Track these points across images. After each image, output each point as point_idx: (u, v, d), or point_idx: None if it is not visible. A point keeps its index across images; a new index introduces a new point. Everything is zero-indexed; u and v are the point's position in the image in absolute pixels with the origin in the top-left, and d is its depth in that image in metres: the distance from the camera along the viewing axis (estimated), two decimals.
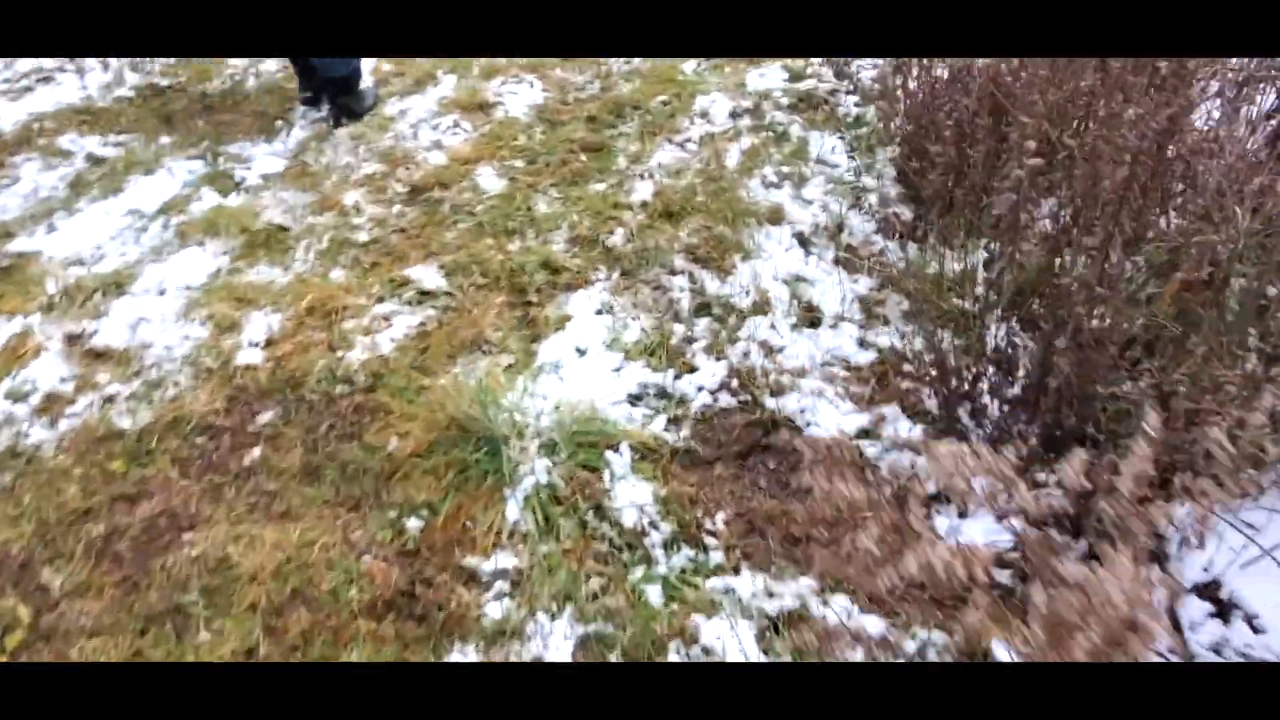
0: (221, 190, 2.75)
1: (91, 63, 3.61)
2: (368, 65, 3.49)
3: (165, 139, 3.07)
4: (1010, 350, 1.74)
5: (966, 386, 1.70)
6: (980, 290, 1.88)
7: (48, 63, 3.58)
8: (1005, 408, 1.63)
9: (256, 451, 1.88)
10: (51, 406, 2.02)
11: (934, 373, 1.75)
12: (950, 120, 1.70)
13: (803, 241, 2.26)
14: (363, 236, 2.51)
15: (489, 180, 2.74)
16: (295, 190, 2.75)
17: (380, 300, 2.26)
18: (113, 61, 3.62)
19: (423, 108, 3.21)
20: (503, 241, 2.44)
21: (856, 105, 2.90)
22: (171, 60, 3.68)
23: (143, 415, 1.98)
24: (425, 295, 2.28)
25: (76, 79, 3.49)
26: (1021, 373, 1.67)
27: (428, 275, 2.32)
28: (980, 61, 2.13)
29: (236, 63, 3.63)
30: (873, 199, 2.39)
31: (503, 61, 3.56)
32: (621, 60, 3.47)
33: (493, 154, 2.87)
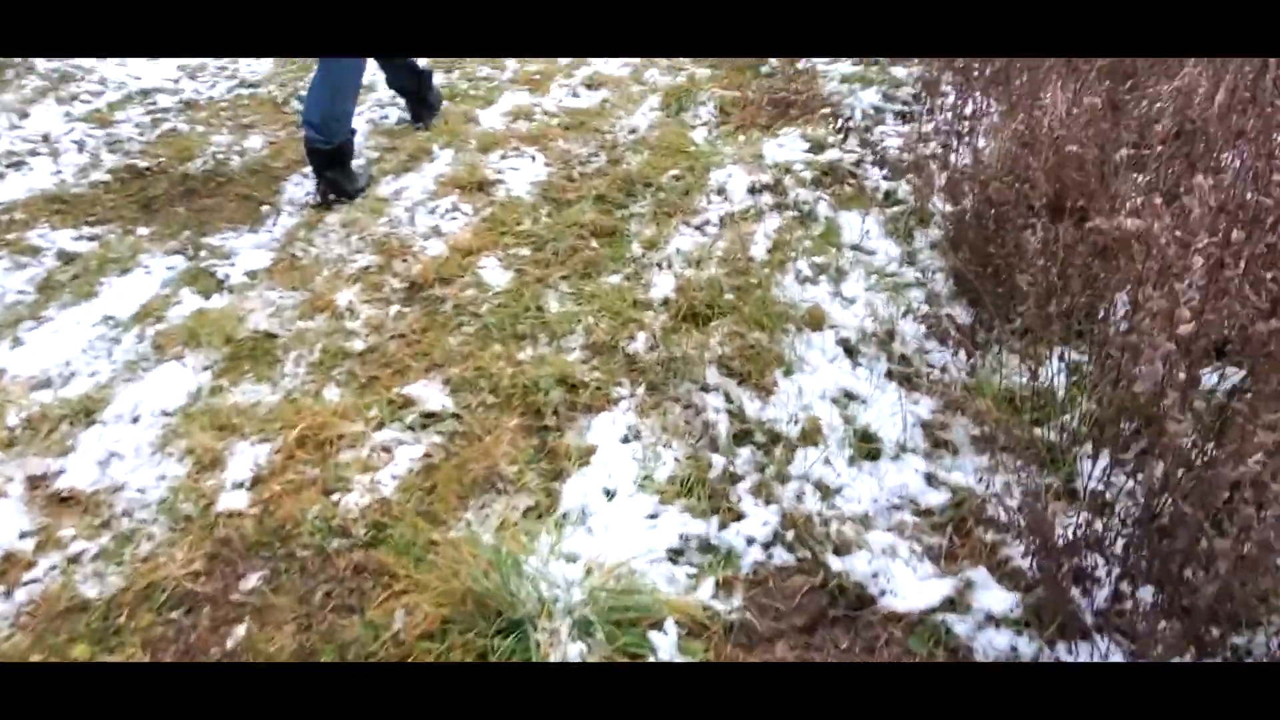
0: (203, 291, 2.46)
1: (67, 143, 3.33)
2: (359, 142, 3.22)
3: (143, 229, 2.78)
4: (1114, 495, 1.47)
5: (1066, 542, 1.42)
6: (1069, 419, 1.61)
7: (19, 145, 3.29)
8: (1119, 574, 1.35)
9: (241, 629, 1.58)
10: (9, 570, 1.72)
11: (1023, 523, 1.47)
12: (1034, 237, 1.44)
13: (848, 350, 1.98)
14: (358, 344, 2.23)
15: (494, 273, 2.46)
16: (283, 289, 2.46)
17: (380, 426, 1.97)
18: (89, 141, 3.34)
19: (419, 187, 2.93)
20: (512, 349, 2.16)
21: (885, 179, 2.64)
22: (152, 137, 3.40)
23: (111, 580, 1.68)
24: (429, 418, 1.99)
25: (50, 162, 3.20)
26: (1129, 521, 1.40)
27: (431, 393, 2.04)
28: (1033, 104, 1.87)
29: (219, 140, 3.35)
30: (919, 294, 2.12)
31: (501, 131, 3.30)
32: (627, 131, 3.21)
33: (496, 241, 2.60)
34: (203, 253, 2.65)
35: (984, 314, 1.91)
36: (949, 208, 2.37)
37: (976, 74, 2.95)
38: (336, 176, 2.83)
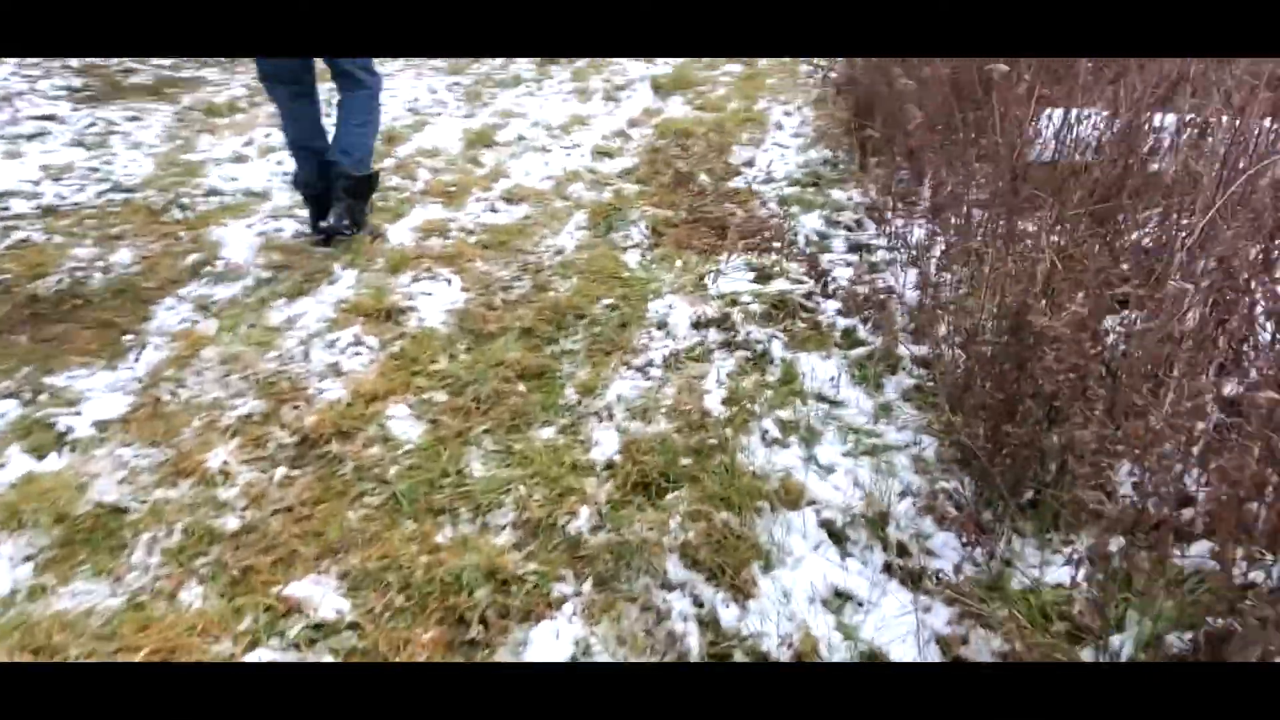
0: (36, 449, 1.95)
1: None
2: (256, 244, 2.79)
3: None
4: None
5: None
6: (1120, 640, 1.29)
7: None
8: None
9: None
10: None
11: None
12: (1089, 431, 1.15)
13: (834, 534, 1.64)
14: (231, 523, 1.75)
15: (404, 424, 2.03)
16: (141, 444, 1.97)
17: (253, 644, 1.49)
18: None
19: (316, 315, 2.50)
20: (428, 528, 1.73)
21: (841, 314, 2.36)
22: (0, 248, 2.87)
23: None
24: (319, 630, 1.53)
25: None
26: None
27: (323, 594, 1.58)
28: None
29: (80, 253, 2.84)
30: (904, 459, 1.81)
31: (412, 249, 2.91)
32: (552, 252, 2.87)
33: (406, 384, 2.18)
34: (42, 396, 2.13)
35: (988, 491, 1.60)
36: (919, 350, 2.10)
37: (919, 204, 2.76)
38: (357, 207, 2.82)
